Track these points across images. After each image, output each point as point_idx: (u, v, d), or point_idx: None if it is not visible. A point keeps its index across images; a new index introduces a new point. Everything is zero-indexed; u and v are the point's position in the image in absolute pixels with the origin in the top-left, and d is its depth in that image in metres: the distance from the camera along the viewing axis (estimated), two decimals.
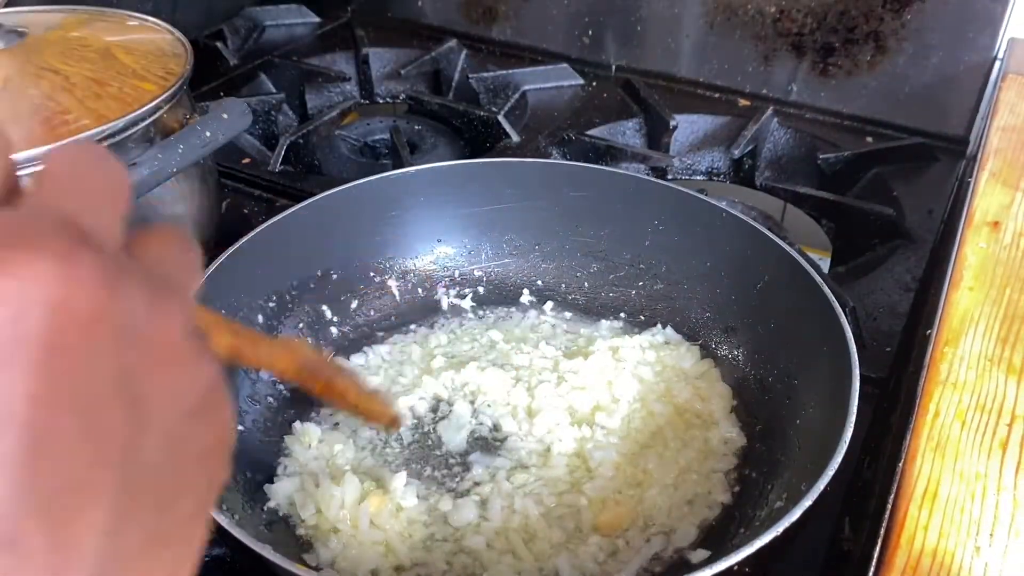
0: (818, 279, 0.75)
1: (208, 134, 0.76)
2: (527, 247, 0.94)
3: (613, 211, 0.90)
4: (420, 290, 0.92)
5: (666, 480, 0.72)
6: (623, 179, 0.91)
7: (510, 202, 0.92)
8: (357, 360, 0.86)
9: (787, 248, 0.79)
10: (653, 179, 0.92)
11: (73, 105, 0.74)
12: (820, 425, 0.67)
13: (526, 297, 0.93)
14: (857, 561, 0.60)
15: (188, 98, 0.84)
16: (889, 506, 0.58)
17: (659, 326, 0.88)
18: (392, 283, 0.91)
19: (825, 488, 0.56)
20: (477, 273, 0.94)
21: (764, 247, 0.81)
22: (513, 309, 0.93)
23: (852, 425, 0.60)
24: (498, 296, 0.94)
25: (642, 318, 0.90)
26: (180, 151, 0.73)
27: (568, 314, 0.92)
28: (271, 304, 0.82)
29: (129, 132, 0.74)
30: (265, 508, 0.70)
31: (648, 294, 0.91)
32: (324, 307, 0.87)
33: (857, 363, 0.66)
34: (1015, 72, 1.13)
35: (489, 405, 0.79)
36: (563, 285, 0.94)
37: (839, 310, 0.71)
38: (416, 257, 0.93)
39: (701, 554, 0.66)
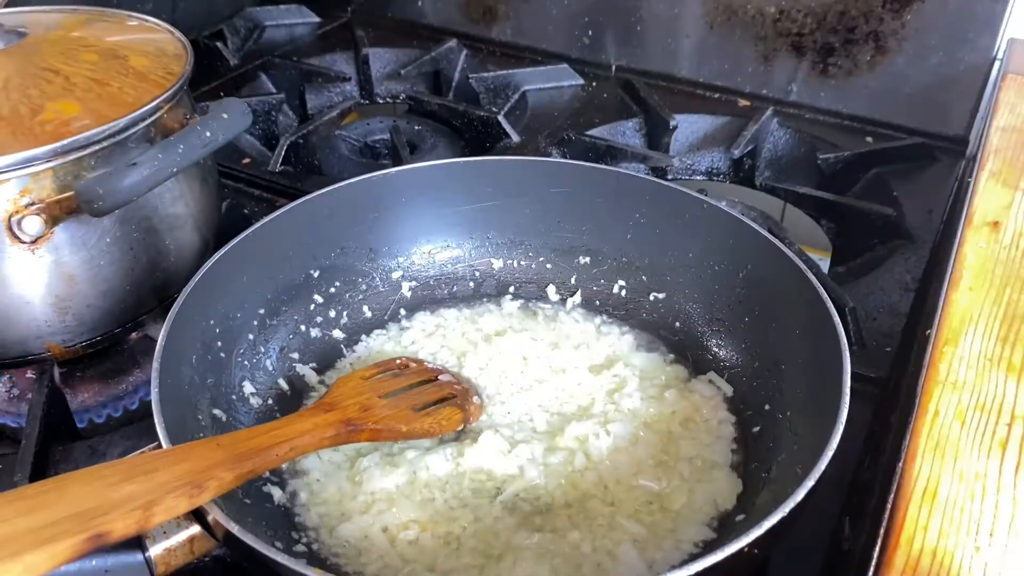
0: (794, 257, 0.75)
1: (208, 134, 0.76)
2: (510, 244, 0.94)
3: (594, 206, 0.90)
4: (405, 290, 0.92)
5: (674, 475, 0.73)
6: (602, 174, 0.91)
7: (492, 200, 0.92)
8: (347, 360, 0.86)
9: (764, 233, 0.80)
10: (632, 173, 0.91)
11: (73, 105, 0.74)
12: (815, 411, 0.67)
13: (511, 294, 0.94)
14: (857, 561, 0.60)
15: (188, 98, 0.84)
16: (889, 506, 0.58)
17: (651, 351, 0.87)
18: (378, 283, 0.91)
19: (824, 488, 0.56)
20: (461, 271, 0.94)
21: (744, 235, 0.81)
22: (498, 306, 0.93)
23: (847, 398, 0.61)
24: (483, 294, 0.94)
25: (628, 312, 0.90)
26: (180, 151, 0.73)
27: (554, 311, 0.92)
28: (260, 310, 0.82)
29: (129, 132, 0.74)
30: (266, 507, 0.70)
31: (633, 287, 0.91)
32: (311, 310, 0.87)
33: (843, 333, 0.66)
34: (1015, 72, 1.13)
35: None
36: (547, 281, 0.94)
37: (818, 286, 0.72)
38: (400, 257, 0.93)
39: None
